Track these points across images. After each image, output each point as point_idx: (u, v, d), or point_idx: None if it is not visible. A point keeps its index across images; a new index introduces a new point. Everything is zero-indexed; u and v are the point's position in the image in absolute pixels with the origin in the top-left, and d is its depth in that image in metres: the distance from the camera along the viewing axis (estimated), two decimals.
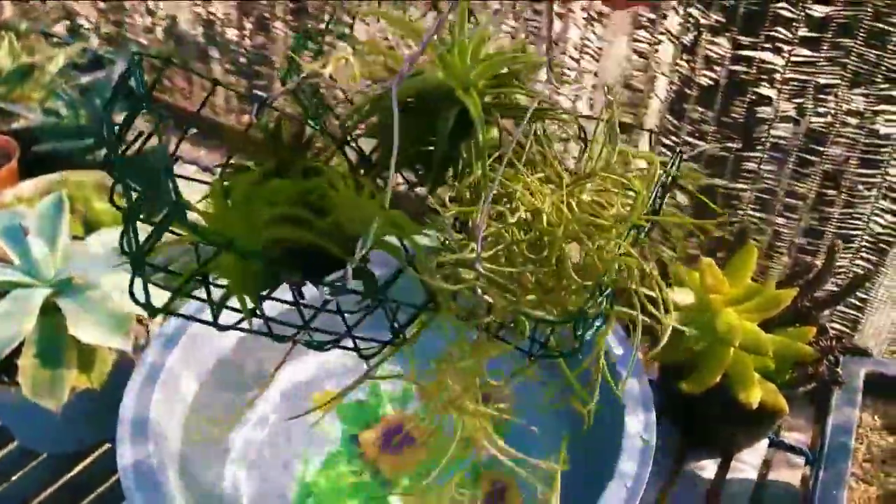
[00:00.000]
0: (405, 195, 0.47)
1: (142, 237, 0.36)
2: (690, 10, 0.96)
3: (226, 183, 0.40)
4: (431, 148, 0.44)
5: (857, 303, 1.02)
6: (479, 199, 0.43)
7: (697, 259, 0.86)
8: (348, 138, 0.46)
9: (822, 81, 0.92)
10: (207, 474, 0.80)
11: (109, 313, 0.80)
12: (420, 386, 0.46)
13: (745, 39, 0.93)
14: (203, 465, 0.79)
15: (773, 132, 0.97)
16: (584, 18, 1.05)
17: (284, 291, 0.43)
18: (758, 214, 1.03)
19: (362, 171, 0.46)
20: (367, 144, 0.47)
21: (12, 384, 0.77)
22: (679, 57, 1.00)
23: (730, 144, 1.00)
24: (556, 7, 0.98)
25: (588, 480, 0.72)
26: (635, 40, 1.03)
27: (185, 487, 0.72)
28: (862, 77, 0.90)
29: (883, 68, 0.88)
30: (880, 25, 0.86)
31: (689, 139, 1.02)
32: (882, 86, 0.89)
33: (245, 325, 0.40)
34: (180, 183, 0.35)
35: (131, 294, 0.36)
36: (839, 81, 0.91)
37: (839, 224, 0.99)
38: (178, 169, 0.38)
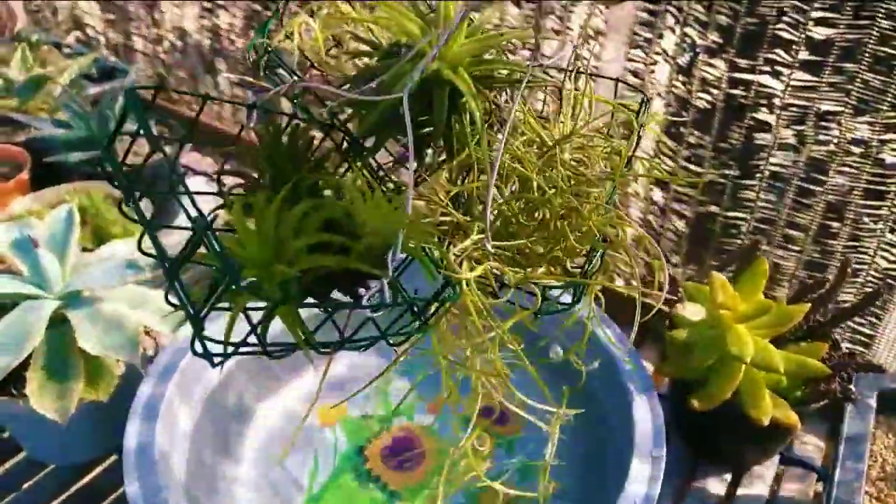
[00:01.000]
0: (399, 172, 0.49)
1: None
2: (686, 29, 0.93)
3: (243, 202, 0.40)
4: (422, 130, 0.45)
5: (871, 318, 1.00)
6: (472, 175, 0.46)
7: (708, 274, 0.85)
8: (335, 123, 0.47)
9: (824, 108, 0.88)
10: (215, 498, 0.80)
11: (118, 325, 0.80)
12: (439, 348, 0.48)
13: (742, 62, 0.90)
14: (208, 490, 0.79)
15: (772, 160, 0.93)
16: (579, 36, 1.03)
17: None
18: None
19: (353, 157, 0.47)
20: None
21: (20, 396, 0.77)
22: (675, 78, 0.97)
23: (727, 171, 0.97)
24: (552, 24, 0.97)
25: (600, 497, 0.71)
26: (630, 60, 1.00)
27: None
28: (867, 104, 0.86)
29: (889, 95, 0.84)
30: (886, 49, 0.82)
31: (687, 164, 1.00)
32: (889, 114, 0.85)
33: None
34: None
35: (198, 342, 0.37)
36: (842, 108, 0.87)
37: (843, 258, 0.95)
38: (188, 181, 0.38)
